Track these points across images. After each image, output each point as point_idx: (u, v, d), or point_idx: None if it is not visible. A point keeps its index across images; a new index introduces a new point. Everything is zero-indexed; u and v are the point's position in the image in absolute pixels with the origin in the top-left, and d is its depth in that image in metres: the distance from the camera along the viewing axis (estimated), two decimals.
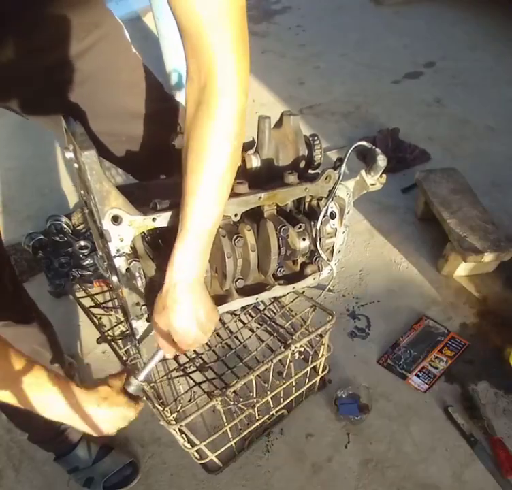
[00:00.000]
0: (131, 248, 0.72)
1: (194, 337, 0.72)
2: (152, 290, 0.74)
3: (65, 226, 1.82)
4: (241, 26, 0.57)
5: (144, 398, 0.88)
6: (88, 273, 1.65)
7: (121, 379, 0.79)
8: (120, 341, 1.13)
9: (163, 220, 0.71)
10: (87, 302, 1.17)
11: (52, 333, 1.11)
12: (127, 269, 0.73)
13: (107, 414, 0.74)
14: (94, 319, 1.11)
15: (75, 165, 0.74)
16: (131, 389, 0.78)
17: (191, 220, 0.64)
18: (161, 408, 0.92)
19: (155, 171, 0.97)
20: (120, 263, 0.72)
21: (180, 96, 2.50)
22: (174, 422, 0.91)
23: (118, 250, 0.70)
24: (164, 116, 0.93)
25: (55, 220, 1.83)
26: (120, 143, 0.89)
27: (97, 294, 1.23)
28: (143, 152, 0.92)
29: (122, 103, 0.85)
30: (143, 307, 0.80)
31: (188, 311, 0.69)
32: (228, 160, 0.63)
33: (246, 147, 0.90)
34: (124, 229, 0.69)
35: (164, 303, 0.69)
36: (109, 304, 1.25)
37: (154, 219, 0.70)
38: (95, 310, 1.14)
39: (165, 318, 0.70)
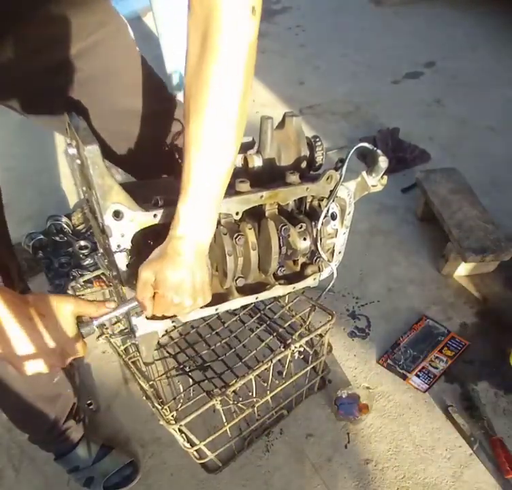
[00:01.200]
0: (132, 244, 0.72)
1: (182, 294, 0.65)
2: None
3: (65, 226, 1.82)
4: None
5: (144, 398, 0.86)
6: (88, 273, 1.65)
7: (79, 305, 0.63)
8: (119, 339, 1.14)
9: (164, 216, 0.71)
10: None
11: None
12: (128, 265, 0.73)
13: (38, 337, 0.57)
14: None
15: (78, 161, 0.74)
16: (83, 329, 0.64)
17: (192, 176, 0.59)
18: (160, 407, 0.92)
19: (156, 171, 0.97)
20: (121, 259, 0.72)
21: (181, 97, 2.49)
22: (174, 422, 0.92)
23: (118, 246, 0.70)
24: (165, 116, 0.93)
25: (55, 220, 1.83)
26: (120, 143, 0.89)
27: (96, 291, 1.24)
28: (143, 152, 0.92)
29: (124, 102, 0.85)
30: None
31: (188, 265, 0.63)
32: (240, 100, 0.57)
33: (246, 147, 0.90)
34: (126, 224, 0.69)
35: (162, 250, 0.63)
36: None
37: (155, 215, 0.70)
38: None
39: (157, 264, 0.63)
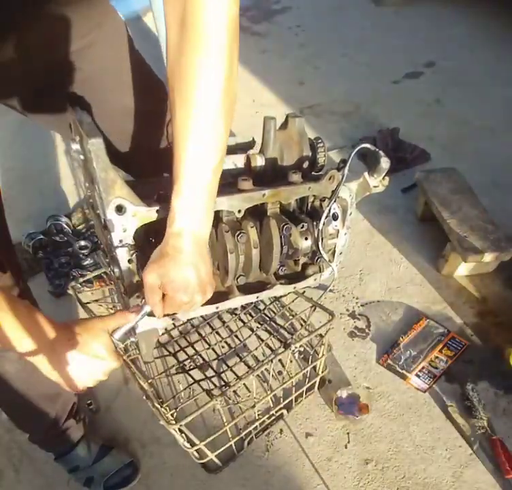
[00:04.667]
0: (134, 239, 0.72)
1: (191, 292, 0.64)
2: None
3: (65, 226, 1.82)
4: None
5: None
6: (88, 273, 1.65)
7: (105, 322, 0.69)
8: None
9: (166, 211, 0.71)
10: (87, 300, 1.17)
11: None
12: (129, 260, 0.73)
13: (82, 357, 0.64)
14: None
15: (81, 157, 0.75)
16: (118, 334, 0.70)
17: (184, 167, 0.58)
18: (160, 407, 0.92)
19: (154, 170, 0.97)
20: (123, 254, 0.72)
21: None
22: (174, 422, 0.91)
23: (120, 241, 0.70)
24: (163, 115, 0.93)
25: (55, 220, 1.83)
26: (119, 142, 0.89)
27: (96, 289, 1.24)
28: (139, 151, 0.92)
29: (122, 102, 0.85)
30: (143, 299, 0.80)
31: (190, 261, 0.62)
32: (220, 90, 0.55)
33: (246, 146, 0.90)
34: (128, 219, 0.69)
35: (163, 251, 0.62)
36: (109, 301, 1.26)
37: (157, 211, 0.70)
38: (95, 308, 1.15)
39: (162, 267, 0.62)
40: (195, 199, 0.60)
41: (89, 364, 0.66)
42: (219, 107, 0.56)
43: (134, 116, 0.87)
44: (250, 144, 0.93)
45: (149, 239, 0.79)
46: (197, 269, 0.63)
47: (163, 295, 0.67)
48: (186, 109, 0.56)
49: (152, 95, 0.89)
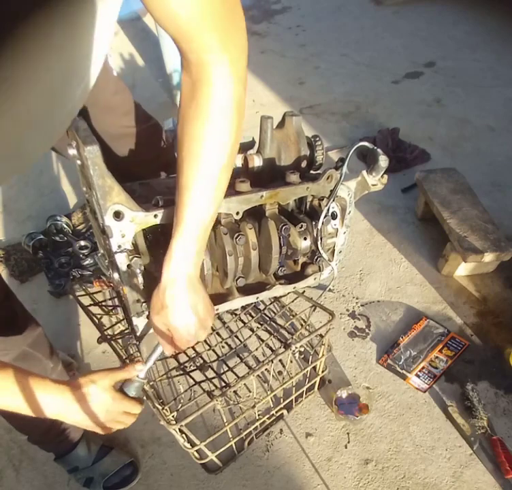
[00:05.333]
0: (133, 244, 0.72)
1: (194, 334, 0.71)
2: (153, 288, 0.74)
3: (65, 226, 1.82)
4: (230, 21, 0.53)
5: (144, 398, 0.87)
6: (88, 273, 1.65)
7: (113, 377, 0.74)
8: (120, 341, 1.14)
9: (164, 216, 0.71)
10: (87, 302, 1.17)
11: (41, 334, 1.08)
12: (128, 266, 0.73)
13: (94, 409, 0.70)
14: (94, 319, 1.11)
15: (78, 162, 0.74)
16: (132, 390, 0.76)
17: (186, 218, 0.63)
18: (160, 408, 0.92)
19: (151, 174, 0.98)
20: (122, 259, 0.72)
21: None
22: (174, 422, 0.92)
23: (119, 246, 0.70)
24: (146, 135, 0.94)
25: (55, 220, 1.83)
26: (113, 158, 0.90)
27: (96, 292, 1.24)
28: (126, 171, 0.92)
29: (103, 125, 0.86)
30: (143, 304, 0.80)
31: (187, 307, 0.68)
32: (223, 158, 0.61)
33: (246, 147, 0.90)
34: (126, 224, 0.69)
35: (162, 302, 0.68)
36: (109, 303, 1.26)
37: (155, 215, 0.70)
38: (95, 310, 1.15)
39: (163, 317, 0.69)
40: (194, 244, 0.66)
41: (110, 413, 0.72)
42: (222, 168, 0.62)
43: (115, 139, 0.88)
44: (251, 144, 0.92)
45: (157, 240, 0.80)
46: (196, 309, 0.69)
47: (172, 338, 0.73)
48: (193, 168, 0.61)
49: (132, 117, 0.91)
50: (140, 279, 0.75)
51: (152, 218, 0.70)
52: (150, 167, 0.96)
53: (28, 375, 0.65)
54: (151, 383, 0.99)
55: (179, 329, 0.70)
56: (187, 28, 0.51)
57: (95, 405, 0.69)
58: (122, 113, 0.88)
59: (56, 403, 0.66)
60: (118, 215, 0.67)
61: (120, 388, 0.75)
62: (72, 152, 0.74)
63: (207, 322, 0.72)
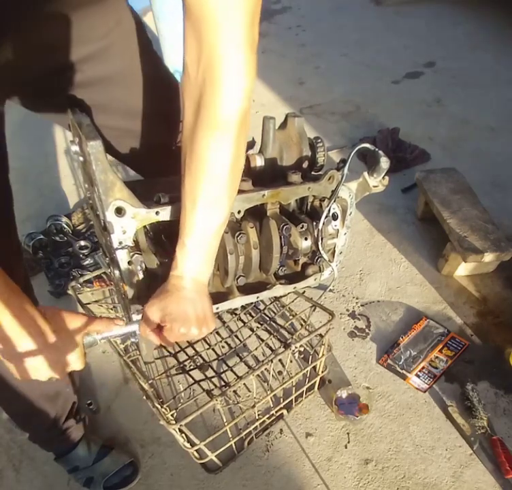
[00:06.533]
0: (134, 241, 0.72)
1: (188, 324, 0.69)
2: (154, 285, 0.74)
3: (65, 226, 1.82)
4: (254, 21, 0.52)
5: (147, 397, 0.86)
6: (88, 273, 1.65)
7: (88, 322, 0.67)
8: (119, 339, 1.14)
9: (166, 213, 0.71)
10: (87, 300, 1.17)
11: None
12: (129, 262, 0.73)
13: (44, 350, 0.60)
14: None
15: (81, 158, 0.74)
16: (86, 340, 0.67)
17: (189, 223, 0.63)
18: (160, 407, 0.92)
19: (158, 170, 0.97)
20: (122, 256, 0.72)
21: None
22: (174, 422, 0.91)
23: (120, 243, 0.70)
24: (171, 116, 0.93)
25: (55, 220, 1.83)
26: (124, 139, 0.89)
27: (96, 290, 1.24)
28: (146, 150, 0.91)
29: (132, 101, 0.84)
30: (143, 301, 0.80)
31: (189, 297, 0.68)
32: (231, 167, 0.60)
33: (247, 147, 0.90)
34: (128, 221, 0.69)
35: (165, 289, 0.68)
36: (109, 301, 1.26)
37: (157, 212, 0.70)
38: (95, 308, 1.15)
39: (162, 301, 0.68)
40: (196, 255, 0.66)
41: (54, 357, 0.62)
42: (226, 180, 0.61)
43: (141, 116, 0.87)
44: (251, 144, 0.93)
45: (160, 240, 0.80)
46: (195, 306, 0.68)
47: (162, 327, 0.70)
48: (197, 177, 0.60)
49: (161, 96, 0.88)
50: (141, 276, 0.75)
51: (154, 214, 0.70)
52: (166, 150, 0.94)
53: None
54: (150, 382, 0.99)
55: (173, 314, 0.67)
56: (216, 14, 0.50)
57: (58, 340, 0.61)
58: (153, 90, 0.86)
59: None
60: (119, 211, 0.67)
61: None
62: (74, 148, 0.74)
63: (204, 322, 0.71)
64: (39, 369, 0.61)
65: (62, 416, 1.09)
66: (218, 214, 0.64)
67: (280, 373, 1.31)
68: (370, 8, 3.50)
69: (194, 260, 0.67)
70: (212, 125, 0.57)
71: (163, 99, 0.88)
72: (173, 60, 2.37)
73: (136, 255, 0.74)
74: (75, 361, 0.65)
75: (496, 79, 2.58)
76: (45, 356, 0.60)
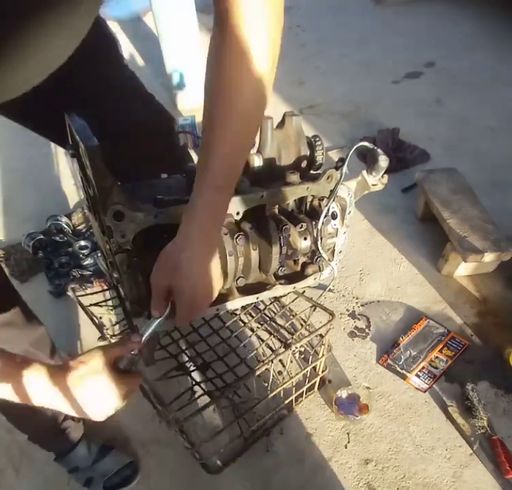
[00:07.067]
0: (133, 244, 0.72)
1: (198, 299, 0.65)
2: None
3: (65, 226, 1.82)
4: None
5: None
6: (88, 273, 1.65)
7: (105, 354, 0.64)
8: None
9: (164, 217, 0.71)
10: (87, 301, 1.17)
11: (43, 334, 1.06)
12: (128, 266, 0.73)
13: (88, 394, 0.61)
14: (94, 318, 1.11)
15: (78, 163, 0.74)
16: (127, 365, 0.66)
17: (213, 164, 0.60)
18: (160, 408, 0.92)
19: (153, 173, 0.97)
20: (122, 260, 0.72)
21: (181, 96, 2.50)
22: (174, 422, 0.91)
23: (119, 247, 0.70)
24: (157, 128, 0.93)
25: (55, 220, 1.83)
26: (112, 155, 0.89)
27: (97, 292, 1.24)
28: (137, 163, 0.91)
29: (115, 118, 0.85)
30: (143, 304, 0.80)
31: (203, 257, 0.64)
32: (258, 92, 0.58)
33: None
34: (126, 225, 0.69)
35: (174, 261, 0.63)
36: (109, 303, 1.26)
37: (156, 216, 0.70)
38: (95, 310, 1.15)
39: (169, 276, 0.63)
40: (221, 196, 0.62)
41: (99, 398, 0.65)
42: (256, 103, 0.59)
43: (128, 132, 0.87)
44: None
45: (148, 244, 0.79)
46: (206, 266, 0.65)
47: (174, 305, 0.67)
48: (224, 102, 0.58)
49: (144, 110, 0.89)
50: (140, 279, 0.75)
51: (153, 218, 0.70)
52: (163, 161, 0.94)
53: (15, 357, 0.57)
54: (151, 383, 0.99)
55: (185, 291, 0.64)
56: None
57: (89, 389, 0.60)
58: (135, 104, 0.86)
59: (42, 388, 0.57)
60: (118, 215, 0.67)
61: (115, 365, 0.65)
62: (72, 152, 0.74)
63: (216, 284, 0.68)
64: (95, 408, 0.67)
65: (60, 415, 1.09)
66: (244, 142, 0.62)
67: (280, 373, 1.31)
68: (370, 8, 3.49)
69: (213, 205, 0.62)
70: (239, 46, 0.55)
71: (142, 113, 0.89)
72: (173, 59, 2.37)
73: (135, 259, 0.74)
74: (122, 389, 0.67)
75: (496, 79, 2.58)
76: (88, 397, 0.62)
